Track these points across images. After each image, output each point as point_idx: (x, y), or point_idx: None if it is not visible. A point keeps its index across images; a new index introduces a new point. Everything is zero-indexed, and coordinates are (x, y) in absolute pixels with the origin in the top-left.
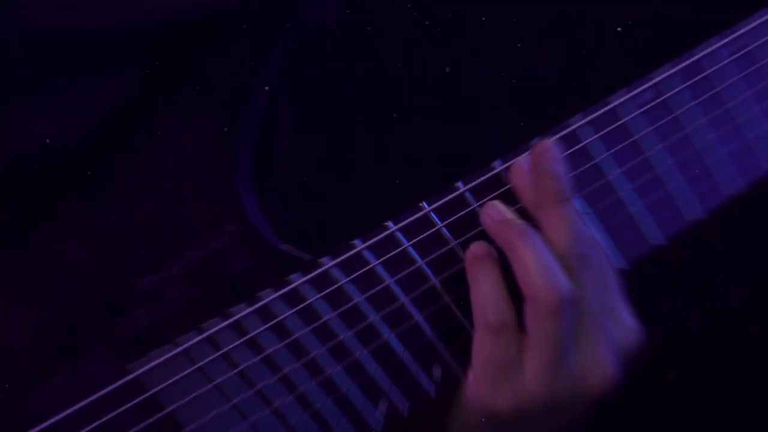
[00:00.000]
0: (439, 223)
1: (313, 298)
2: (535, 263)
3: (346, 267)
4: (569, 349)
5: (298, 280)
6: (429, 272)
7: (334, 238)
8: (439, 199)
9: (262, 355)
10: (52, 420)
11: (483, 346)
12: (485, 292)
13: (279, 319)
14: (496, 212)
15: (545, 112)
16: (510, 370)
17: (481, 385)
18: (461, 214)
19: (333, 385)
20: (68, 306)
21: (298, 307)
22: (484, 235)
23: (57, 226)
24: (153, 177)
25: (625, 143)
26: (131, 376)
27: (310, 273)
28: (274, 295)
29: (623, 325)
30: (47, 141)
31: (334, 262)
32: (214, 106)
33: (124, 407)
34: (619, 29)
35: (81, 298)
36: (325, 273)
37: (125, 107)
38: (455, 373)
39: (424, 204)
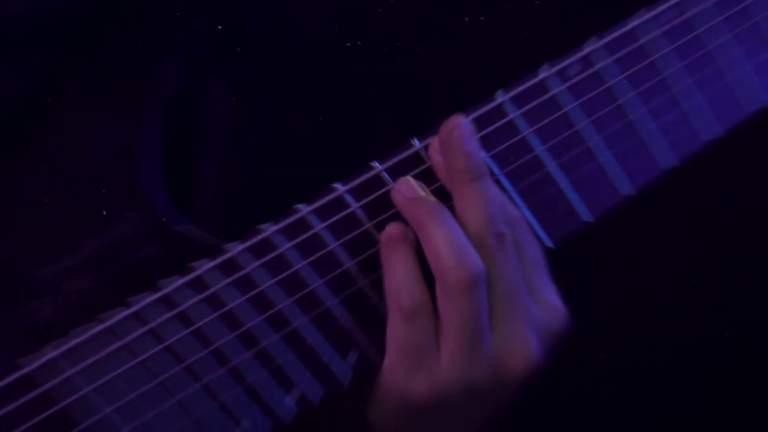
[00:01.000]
0: (354, 204)
1: (220, 285)
2: (445, 242)
3: (256, 251)
4: (485, 330)
5: (204, 266)
6: (344, 255)
7: (252, 222)
8: (354, 180)
9: (164, 344)
10: None
11: (397, 330)
12: (399, 274)
13: (183, 307)
14: (407, 188)
15: None
16: (425, 355)
17: (397, 370)
18: (378, 194)
19: (241, 374)
20: None
21: (203, 294)
22: (401, 217)
23: None
24: (53, 164)
25: (552, 117)
26: (22, 371)
27: (218, 258)
28: (179, 282)
29: (547, 305)
30: None
31: (243, 247)
32: (116, 91)
33: (13, 405)
34: None
35: None
36: (234, 258)
37: (23, 95)
38: (372, 358)
39: (338, 185)
